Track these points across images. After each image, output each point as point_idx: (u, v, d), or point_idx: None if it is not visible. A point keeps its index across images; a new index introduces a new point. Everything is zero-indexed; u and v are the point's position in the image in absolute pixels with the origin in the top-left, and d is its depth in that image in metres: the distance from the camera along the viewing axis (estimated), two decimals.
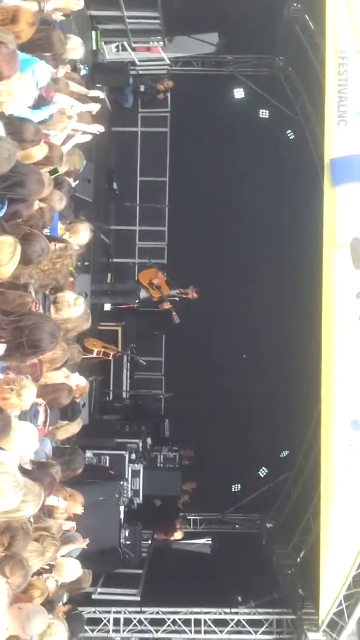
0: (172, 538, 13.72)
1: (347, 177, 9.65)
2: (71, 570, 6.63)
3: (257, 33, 13.87)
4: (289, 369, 13.80)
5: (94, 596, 10.83)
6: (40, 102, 6.06)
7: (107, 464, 11.71)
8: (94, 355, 12.32)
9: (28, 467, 5.90)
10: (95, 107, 7.79)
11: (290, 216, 14.20)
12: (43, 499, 5.28)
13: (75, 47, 7.49)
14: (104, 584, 11.15)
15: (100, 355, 12.54)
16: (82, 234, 7.29)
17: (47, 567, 6.14)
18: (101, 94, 8.19)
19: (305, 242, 12.20)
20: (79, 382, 7.12)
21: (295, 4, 12.46)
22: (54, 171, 6.49)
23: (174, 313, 13.07)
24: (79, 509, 7.04)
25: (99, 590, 10.98)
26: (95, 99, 7.97)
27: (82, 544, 7.24)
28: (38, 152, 5.86)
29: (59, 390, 6.31)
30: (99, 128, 7.88)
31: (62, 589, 6.70)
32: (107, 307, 13.71)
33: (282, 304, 14.33)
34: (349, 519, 9.80)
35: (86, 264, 11.38)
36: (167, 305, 13.11)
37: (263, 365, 14.59)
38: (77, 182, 8.49)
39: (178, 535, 13.79)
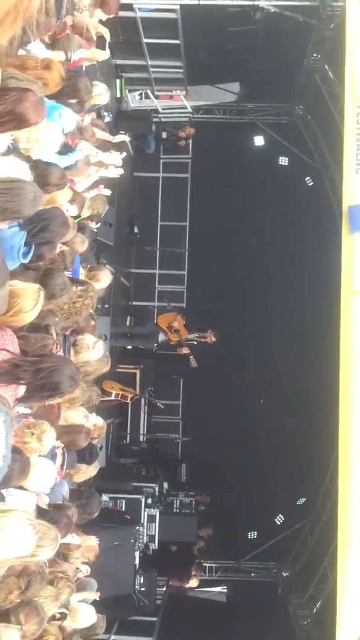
0: (187, 586, 13.55)
1: None
2: (86, 616, 6.58)
3: (277, 82, 14.11)
4: (306, 414, 13.73)
5: None
6: (66, 149, 6.17)
7: (123, 508, 11.64)
8: (112, 397, 12.35)
9: (44, 507, 5.89)
10: (118, 159, 7.90)
11: (309, 262, 14.27)
12: (59, 541, 5.26)
13: (100, 94, 7.63)
14: (117, 631, 10.96)
15: (119, 398, 12.57)
16: (103, 281, 7.38)
17: (60, 614, 6.08)
18: (127, 138, 8.33)
19: (323, 288, 12.24)
20: (96, 421, 7.13)
21: (315, 55, 12.64)
22: (77, 216, 6.60)
23: (191, 357, 13.08)
24: (94, 552, 6.99)
25: (112, 637, 10.79)
26: (121, 145, 8.10)
27: (94, 595, 7.17)
28: (62, 197, 5.96)
29: (76, 433, 6.31)
30: (119, 172, 8.00)
31: (76, 635, 6.63)
32: (129, 346, 13.78)
33: (300, 350, 14.33)
34: None
35: (106, 306, 11.48)
36: (185, 350, 13.12)
37: (281, 410, 14.52)
38: (99, 225, 8.62)
39: (193, 583, 13.62)
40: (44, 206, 5.33)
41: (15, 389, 4.71)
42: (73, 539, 6.61)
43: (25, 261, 5.10)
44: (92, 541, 7.17)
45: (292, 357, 14.52)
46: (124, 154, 8.05)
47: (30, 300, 4.77)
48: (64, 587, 5.96)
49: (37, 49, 5.92)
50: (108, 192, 8.03)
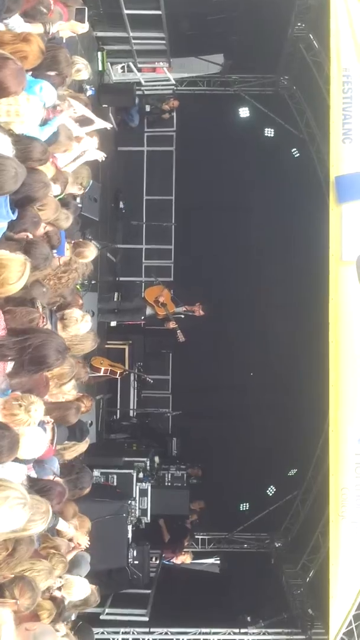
0: (180, 560, 13.63)
1: (352, 194, 9.70)
2: (80, 588, 6.60)
3: (262, 53, 13.97)
4: (296, 386, 13.78)
5: (102, 617, 10.75)
6: (46, 120, 6.09)
7: (115, 483, 11.67)
8: (101, 374, 12.34)
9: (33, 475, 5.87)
10: (94, 144, 7.80)
11: (297, 234, 14.23)
12: (51, 514, 5.26)
13: (80, 70, 7.53)
14: (112, 604, 11.07)
15: (108, 374, 12.56)
16: (89, 257, 7.33)
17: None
18: (109, 125, 8.20)
19: (311, 259, 12.24)
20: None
21: (299, 24, 12.54)
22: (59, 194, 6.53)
23: (178, 331, 13.07)
24: (85, 541, 7.00)
25: (107, 610, 10.90)
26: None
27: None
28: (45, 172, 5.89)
29: (66, 409, 6.30)
30: (102, 155, 7.89)
31: (70, 608, 6.66)
32: (113, 323, 13.73)
33: (289, 321, 14.35)
34: (358, 537, 9.73)
35: (93, 282, 11.43)
36: (172, 325, 13.10)
37: (271, 382, 14.56)
38: (83, 191, 8.52)
39: (187, 559, 13.71)
40: None
41: (4, 364, 4.69)
42: (69, 529, 6.61)
43: (14, 217, 5.05)
44: (86, 523, 7.19)
45: (281, 329, 14.55)
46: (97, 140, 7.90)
47: (15, 272, 4.74)
48: (57, 563, 5.99)
49: (15, 22, 5.81)
50: (102, 154, 7.89)
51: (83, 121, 7.70)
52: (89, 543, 7.07)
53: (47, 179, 5.61)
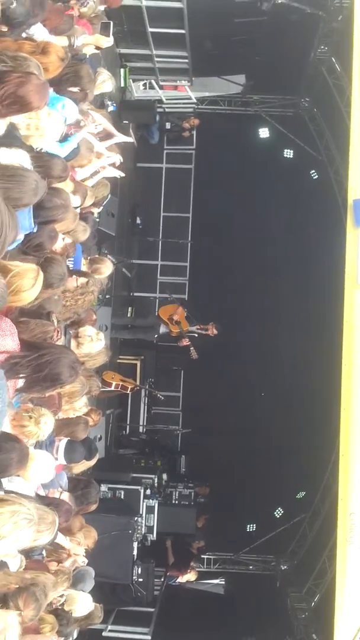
0: (184, 580, 13.56)
1: None
2: (83, 604, 6.57)
3: (283, 74, 14.05)
4: (308, 408, 13.71)
5: (104, 633, 10.67)
6: (65, 135, 6.14)
7: (122, 498, 11.63)
8: (112, 388, 12.33)
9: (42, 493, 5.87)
10: (118, 158, 7.85)
11: (313, 256, 14.23)
12: (57, 526, 5.25)
13: (104, 81, 7.58)
14: (114, 621, 10.99)
15: (119, 389, 12.54)
16: (104, 273, 7.36)
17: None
18: (131, 139, 8.25)
19: (327, 282, 12.20)
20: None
21: (322, 47, 12.59)
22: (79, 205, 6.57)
23: (192, 348, 13.06)
24: (82, 558, 6.96)
25: (109, 627, 10.82)
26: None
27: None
28: (64, 188, 5.93)
29: (75, 424, 6.29)
30: (120, 173, 7.93)
31: (73, 624, 6.62)
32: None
33: (303, 344, 14.30)
34: None
35: (107, 297, 11.45)
36: (185, 342, 13.09)
37: (282, 403, 14.50)
38: (101, 209, 8.57)
39: (191, 577, 13.63)
40: None
41: (15, 380, 4.70)
42: (66, 542, 6.58)
43: (35, 230, 5.09)
44: (92, 533, 7.16)
45: (294, 350, 14.50)
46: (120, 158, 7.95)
47: (29, 279, 4.76)
48: (61, 581, 5.97)
49: (40, 33, 5.86)
50: (119, 172, 7.94)
51: (104, 137, 7.76)
52: (86, 561, 7.02)
53: (67, 200, 5.61)
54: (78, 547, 6.90)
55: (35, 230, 5.17)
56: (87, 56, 7.22)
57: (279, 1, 11.03)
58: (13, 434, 4.84)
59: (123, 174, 8.00)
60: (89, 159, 7.14)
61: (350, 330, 9.69)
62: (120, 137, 7.90)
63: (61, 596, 6.19)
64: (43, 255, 5.43)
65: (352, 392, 9.61)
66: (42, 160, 5.36)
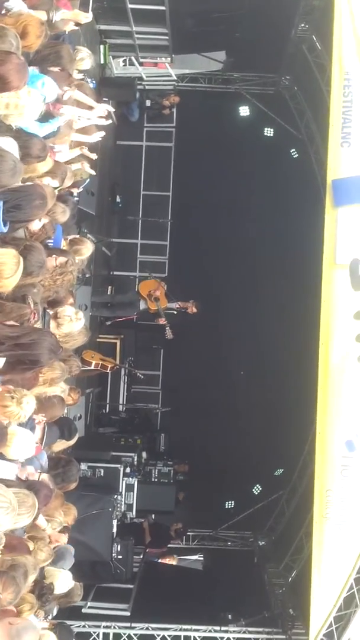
0: (166, 561, 13.69)
1: (349, 198, 9.70)
2: (63, 581, 6.64)
3: (264, 52, 13.96)
4: (286, 387, 13.81)
5: (84, 610, 10.77)
6: (47, 115, 6.10)
7: (102, 477, 11.69)
8: (92, 367, 12.35)
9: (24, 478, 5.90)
10: (102, 122, 7.82)
11: (292, 235, 14.23)
12: (37, 508, 5.29)
13: (83, 58, 7.56)
14: (94, 598, 11.09)
15: (98, 368, 12.57)
16: (85, 254, 7.35)
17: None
18: (110, 108, 8.21)
19: (306, 261, 12.26)
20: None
21: (303, 25, 12.54)
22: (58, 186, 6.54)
23: (167, 328, 13.08)
24: (63, 539, 7.01)
25: (89, 604, 10.92)
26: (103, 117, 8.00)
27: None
28: (42, 167, 5.91)
29: (50, 405, 6.30)
30: (101, 135, 7.90)
31: (52, 601, 6.69)
32: (108, 322, 13.74)
33: (281, 322, 14.35)
34: (341, 539, 9.78)
35: (87, 276, 11.43)
36: (162, 321, 13.11)
37: (260, 382, 14.60)
38: (80, 190, 8.55)
39: (172, 561, 13.78)
40: (24, 175, 5.27)
41: None
42: (47, 527, 6.61)
43: (5, 230, 5.07)
44: (72, 511, 7.21)
45: (273, 330, 14.54)
46: (108, 121, 7.96)
47: (11, 265, 4.75)
48: (42, 546, 6.02)
49: (18, 4, 5.79)
50: (93, 155, 7.92)
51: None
52: (66, 541, 7.08)
53: (45, 198, 5.55)
54: (62, 535, 6.97)
55: (6, 230, 5.14)
56: (66, 32, 7.17)
57: None
58: None
59: (103, 133, 7.94)
60: (69, 134, 7.11)
61: (327, 309, 9.74)
62: (100, 109, 7.84)
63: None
64: (22, 242, 5.42)
65: (329, 371, 9.70)
66: (20, 139, 5.34)
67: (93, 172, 8.09)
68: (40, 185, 5.67)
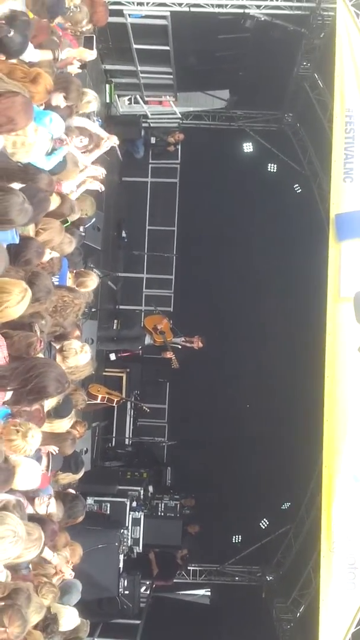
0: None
1: (352, 232, 9.82)
2: (69, 618, 6.55)
3: (267, 90, 14.21)
4: (292, 420, 13.78)
5: None
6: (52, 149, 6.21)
7: (108, 511, 11.65)
8: (98, 401, 12.38)
9: (31, 510, 5.91)
10: (101, 172, 7.98)
11: (296, 269, 14.35)
12: (43, 541, 5.30)
13: (90, 101, 7.67)
14: (101, 634, 10.97)
15: (104, 402, 12.59)
16: (90, 286, 7.43)
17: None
18: (116, 141, 8.34)
19: (310, 295, 12.31)
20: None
21: (305, 63, 12.75)
22: (64, 221, 6.64)
23: (173, 358, 13.14)
24: (68, 571, 6.97)
25: None
26: (109, 151, 8.15)
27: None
28: (50, 204, 6.01)
29: (62, 440, 6.33)
30: (103, 171, 8.03)
31: (58, 638, 6.63)
32: (112, 357, 13.79)
33: (286, 355, 14.40)
34: (349, 574, 9.72)
35: (93, 310, 11.51)
36: (169, 355, 13.18)
37: (266, 415, 14.57)
38: (87, 226, 8.67)
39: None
40: None
41: (3, 393, 4.76)
42: (53, 558, 6.59)
43: (17, 240, 5.18)
44: (77, 550, 7.18)
45: (278, 363, 14.59)
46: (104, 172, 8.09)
47: (16, 295, 4.80)
48: (47, 593, 5.99)
49: (27, 52, 5.93)
50: (100, 186, 8.03)
51: (91, 149, 7.87)
52: (73, 574, 7.04)
53: (44, 189, 5.64)
54: (65, 565, 6.93)
55: (17, 241, 5.25)
56: (72, 76, 7.31)
57: (262, 18, 11.16)
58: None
59: (103, 188, 8.08)
60: (76, 172, 7.23)
61: (332, 342, 9.81)
62: (107, 142, 7.99)
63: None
64: (30, 269, 5.50)
65: (335, 404, 9.72)
66: (28, 174, 5.43)
67: (103, 187, 8.16)
68: (35, 240, 5.77)
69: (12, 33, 5.19)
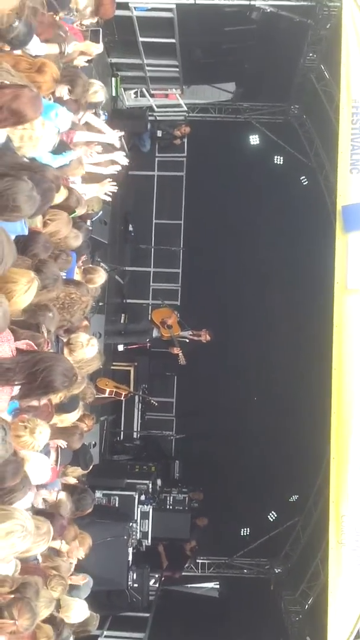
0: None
1: (359, 224, 9.80)
2: (78, 611, 6.58)
3: (273, 82, 14.16)
4: (299, 412, 13.79)
5: (100, 639, 10.73)
6: (61, 147, 6.21)
7: (117, 505, 11.69)
8: (106, 395, 12.40)
9: (41, 506, 5.94)
10: (118, 158, 7.97)
11: (303, 261, 14.33)
12: (52, 534, 5.32)
13: (96, 91, 7.63)
14: (110, 626, 11.04)
15: (112, 395, 12.62)
16: (98, 282, 7.44)
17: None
18: (120, 134, 8.32)
19: (318, 287, 12.30)
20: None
21: (311, 54, 12.67)
22: (72, 211, 6.64)
23: (180, 354, 13.15)
24: (81, 554, 7.00)
25: (105, 633, 10.87)
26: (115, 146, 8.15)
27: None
28: (58, 197, 6.01)
29: (70, 434, 6.35)
30: (116, 168, 8.03)
31: (68, 630, 6.67)
32: (120, 347, 13.80)
33: (294, 348, 14.40)
34: (357, 565, 9.73)
35: (100, 304, 11.52)
36: (176, 350, 13.18)
37: (274, 408, 14.57)
38: (93, 220, 8.67)
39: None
40: None
41: (11, 388, 4.76)
42: (62, 545, 6.61)
43: (26, 232, 5.20)
44: (87, 540, 7.21)
45: (286, 355, 14.59)
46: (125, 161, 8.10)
47: (23, 285, 4.80)
48: (56, 585, 6.02)
49: (33, 45, 5.92)
50: (114, 188, 8.04)
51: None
52: (83, 556, 7.05)
53: (50, 179, 5.65)
54: (76, 550, 6.96)
55: (27, 233, 5.27)
56: (79, 68, 7.30)
57: (268, 10, 11.11)
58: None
59: (119, 167, 8.06)
60: (80, 170, 7.22)
61: (339, 334, 9.81)
62: (111, 134, 7.99)
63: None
64: (37, 257, 5.51)
65: (343, 396, 9.72)
66: (33, 168, 5.42)
67: (108, 198, 8.18)
68: (42, 234, 5.79)
69: (16, 23, 5.17)
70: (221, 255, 15.17)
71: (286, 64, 13.17)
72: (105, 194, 8.03)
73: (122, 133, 8.39)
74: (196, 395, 15.26)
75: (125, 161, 8.07)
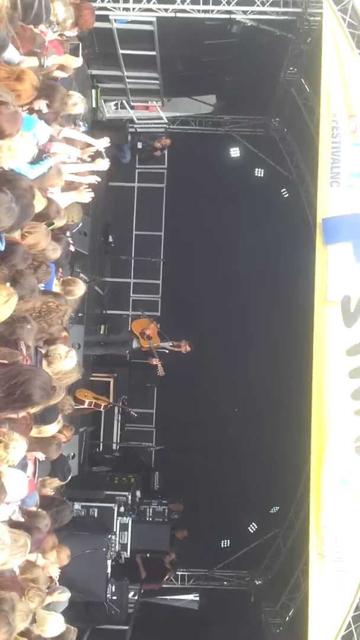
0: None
1: (338, 237, 9.87)
2: (54, 625, 6.49)
3: (253, 95, 14.23)
4: (280, 423, 13.79)
5: None
6: (38, 156, 6.21)
7: (96, 516, 11.61)
8: (85, 406, 12.35)
9: (20, 519, 5.89)
10: (99, 167, 7.97)
11: (284, 273, 14.37)
12: (29, 548, 5.27)
13: (76, 103, 7.64)
14: (88, 639, 10.96)
15: (92, 407, 12.57)
16: (77, 294, 7.42)
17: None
18: (106, 143, 8.33)
19: (297, 298, 12.34)
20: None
21: (291, 68, 12.77)
22: (50, 223, 6.63)
23: (159, 364, 13.14)
24: (55, 572, 6.93)
25: None
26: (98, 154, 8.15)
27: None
28: (37, 205, 5.99)
29: (47, 444, 6.31)
30: (96, 178, 8.03)
31: None
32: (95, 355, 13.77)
33: (274, 359, 14.43)
34: (338, 577, 9.73)
35: (80, 315, 11.49)
36: (155, 361, 13.15)
37: (254, 420, 14.58)
38: (74, 231, 8.65)
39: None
40: None
41: None
42: (38, 559, 6.54)
43: (2, 247, 5.15)
44: (64, 552, 7.15)
45: (266, 366, 14.61)
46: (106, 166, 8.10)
47: (2, 297, 4.78)
48: (34, 596, 5.96)
49: (11, 54, 5.92)
50: (89, 196, 8.01)
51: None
52: (59, 574, 6.99)
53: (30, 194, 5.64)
54: (53, 567, 6.90)
55: (3, 248, 5.25)
56: (58, 80, 7.30)
57: (249, 24, 11.19)
58: None
59: (92, 196, 8.06)
60: (59, 179, 7.21)
61: (320, 346, 9.85)
62: (97, 144, 7.99)
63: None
64: (14, 269, 5.49)
65: (323, 407, 9.75)
66: (4, 178, 5.39)
67: (89, 199, 8.16)
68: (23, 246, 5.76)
69: None
70: (201, 266, 15.18)
71: (267, 78, 13.25)
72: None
73: (108, 139, 8.39)
74: (176, 406, 15.22)
75: (106, 166, 8.04)
